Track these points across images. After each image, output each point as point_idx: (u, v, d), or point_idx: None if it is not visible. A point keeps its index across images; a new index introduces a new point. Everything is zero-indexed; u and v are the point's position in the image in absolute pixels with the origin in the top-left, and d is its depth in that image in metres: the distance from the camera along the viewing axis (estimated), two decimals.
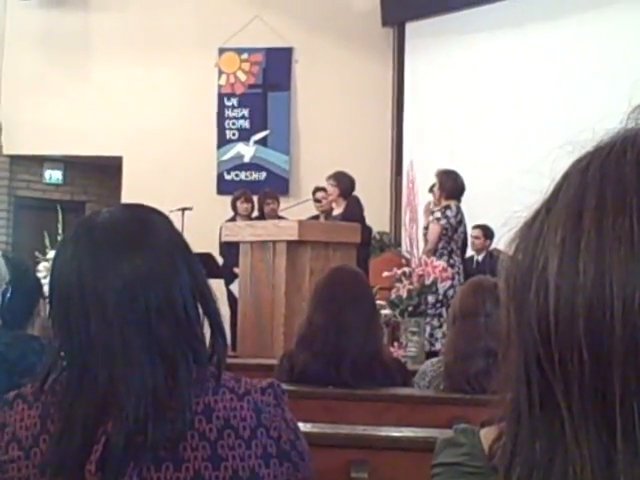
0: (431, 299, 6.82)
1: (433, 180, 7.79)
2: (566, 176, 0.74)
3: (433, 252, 7.25)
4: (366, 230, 8.29)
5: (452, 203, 7.51)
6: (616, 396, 0.65)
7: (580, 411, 0.67)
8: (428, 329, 6.91)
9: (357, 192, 8.35)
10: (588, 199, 0.70)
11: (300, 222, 6.90)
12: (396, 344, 5.66)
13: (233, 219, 9.02)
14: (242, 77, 11.53)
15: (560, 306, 0.68)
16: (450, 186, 7.54)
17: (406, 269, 5.94)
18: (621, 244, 0.67)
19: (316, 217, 8.68)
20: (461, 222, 7.59)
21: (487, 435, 1.00)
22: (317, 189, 8.92)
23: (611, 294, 0.65)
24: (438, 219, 7.43)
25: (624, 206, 0.68)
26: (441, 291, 6.90)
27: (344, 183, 8.27)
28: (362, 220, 8.10)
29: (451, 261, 7.34)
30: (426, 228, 7.56)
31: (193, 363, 1.47)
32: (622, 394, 0.65)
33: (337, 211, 8.31)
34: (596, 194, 0.70)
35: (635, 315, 0.65)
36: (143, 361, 1.43)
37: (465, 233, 7.87)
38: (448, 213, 7.45)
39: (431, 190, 7.81)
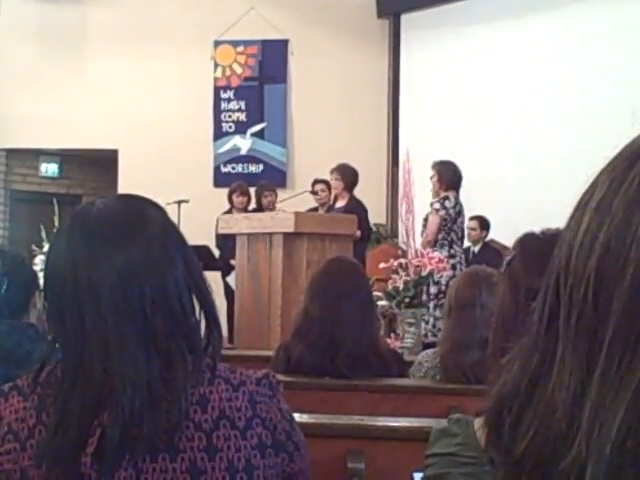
0: (433, 290, 6.83)
1: (429, 172, 7.78)
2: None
3: (433, 243, 7.26)
4: (368, 228, 8.32)
5: (451, 194, 7.52)
6: (606, 338, 0.67)
7: (572, 340, 0.70)
8: (431, 320, 6.93)
9: None
10: None
11: (297, 214, 6.90)
12: (393, 335, 5.67)
13: (229, 212, 9.01)
14: (238, 70, 11.52)
15: (586, 235, 0.70)
16: (449, 177, 7.55)
17: (402, 260, 5.93)
18: None
19: (315, 209, 8.66)
20: (460, 213, 7.60)
21: (481, 425, 1.01)
22: (316, 181, 8.87)
23: (631, 241, 0.67)
24: (437, 210, 7.44)
25: None
26: (443, 282, 6.91)
27: (348, 176, 8.26)
28: (366, 218, 8.12)
29: (451, 251, 7.35)
30: (425, 220, 7.57)
31: (188, 354, 1.48)
32: (612, 338, 0.66)
33: (340, 204, 8.31)
34: None
35: None
36: (138, 353, 1.43)
37: (464, 223, 7.88)
38: (447, 204, 7.46)
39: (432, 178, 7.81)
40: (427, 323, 6.80)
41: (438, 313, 6.95)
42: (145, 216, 1.53)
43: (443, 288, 6.93)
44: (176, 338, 1.47)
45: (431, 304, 6.80)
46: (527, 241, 2.17)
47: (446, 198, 7.48)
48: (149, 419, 1.40)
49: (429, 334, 6.73)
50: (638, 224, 0.67)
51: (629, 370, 0.65)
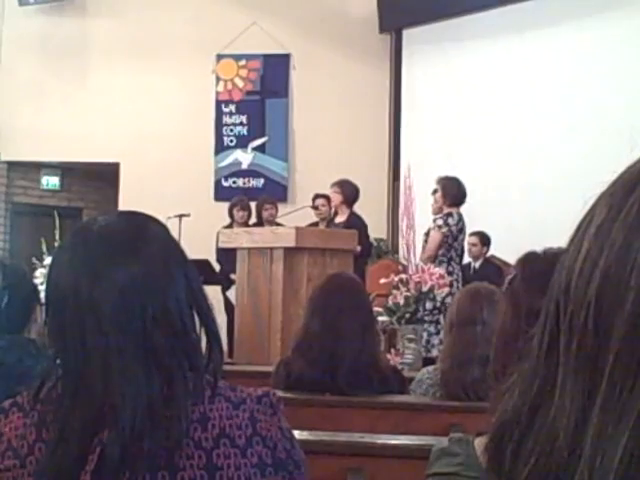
0: (428, 305, 6.81)
1: (431, 187, 7.78)
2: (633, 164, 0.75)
3: (432, 259, 7.25)
4: (368, 243, 8.32)
5: (454, 211, 7.51)
6: (607, 364, 0.66)
7: (573, 366, 0.70)
8: (425, 335, 6.91)
9: None
10: None
11: (297, 229, 6.91)
12: (393, 351, 5.66)
13: (230, 226, 9.01)
14: (240, 84, 11.54)
15: (586, 261, 0.70)
16: (454, 193, 7.54)
17: (403, 276, 5.94)
18: None
19: (315, 224, 8.66)
20: (462, 230, 7.59)
21: (482, 444, 1.00)
22: (317, 196, 8.87)
23: (631, 268, 0.66)
24: (440, 227, 7.43)
25: None
26: (439, 298, 6.90)
27: (348, 190, 8.28)
28: (366, 233, 8.13)
29: (450, 268, 7.34)
30: (427, 234, 7.56)
31: (189, 372, 1.47)
32: (613, 365, 0.66)
33: (340, 219, 8.31)
34: None
35: None
36: (139, 371, 1.43)
37: (464, 241, 7.87)
38: (450, 221, 7.45)
39: (434, 193, 7.80)
40: (422, 339, 6.79)
41: (432, 329, 6.95)
42: (146, 233, 1.53)
43: (438, 304, 6.92)
44: (177, 355, 1.46)
45: (426, 319, 6.80)
46: (529, 261, 2.17)
47: (449, 215, 7.47)
48: (149, 437, 1.40)
49: (423, 349, 6.71)
50: (638, 251, 0.66)
51: (631, 397, 0.64)
